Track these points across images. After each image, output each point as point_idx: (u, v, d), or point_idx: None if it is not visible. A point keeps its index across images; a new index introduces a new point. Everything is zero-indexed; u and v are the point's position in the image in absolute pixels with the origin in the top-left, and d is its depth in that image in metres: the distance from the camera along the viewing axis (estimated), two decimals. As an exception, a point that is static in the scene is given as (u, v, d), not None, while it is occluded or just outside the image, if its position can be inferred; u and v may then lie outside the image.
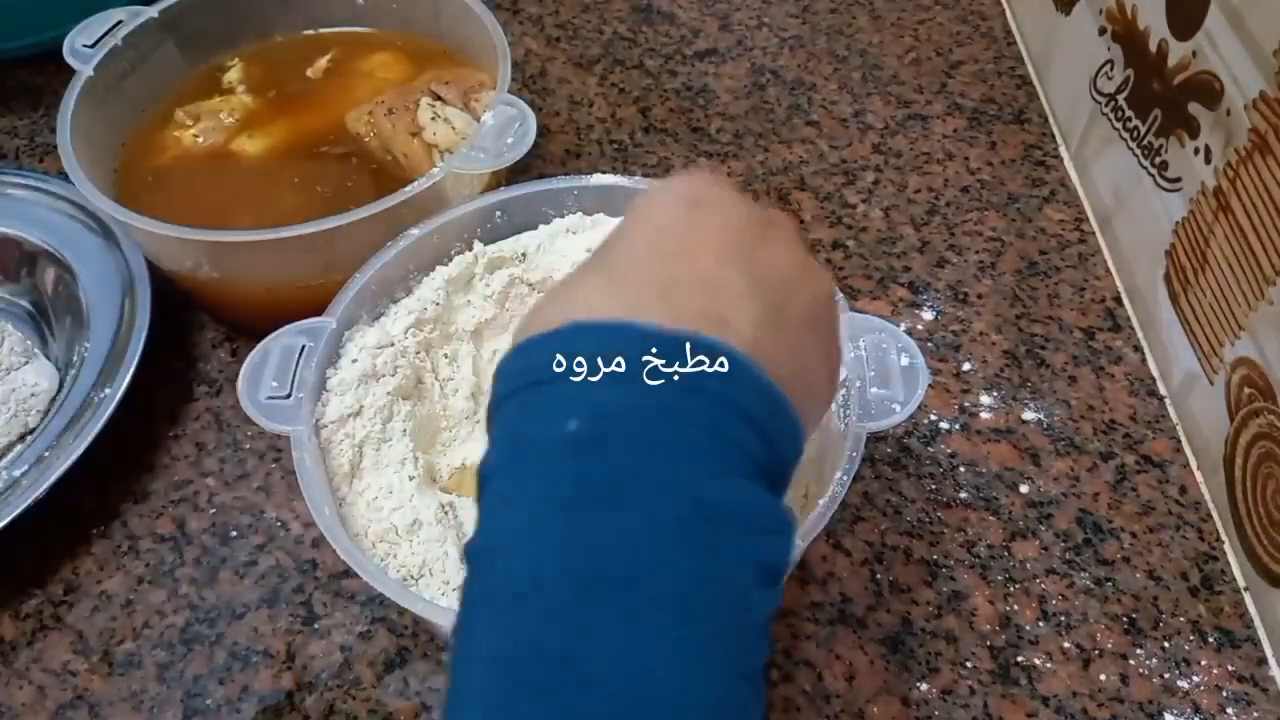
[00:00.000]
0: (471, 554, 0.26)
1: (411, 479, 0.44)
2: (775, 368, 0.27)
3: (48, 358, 0.57)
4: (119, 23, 0.62)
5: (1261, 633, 0.47)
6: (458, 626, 0.25)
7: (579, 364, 0.26)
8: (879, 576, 0.49)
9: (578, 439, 0.25)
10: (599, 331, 0.26)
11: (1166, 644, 0.47)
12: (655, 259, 0.28)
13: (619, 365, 0.25)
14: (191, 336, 0.61)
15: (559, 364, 0.26)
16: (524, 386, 0.27)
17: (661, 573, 0.23)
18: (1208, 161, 0.51)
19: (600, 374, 0.25)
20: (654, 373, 0.25)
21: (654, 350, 0.25)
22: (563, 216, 0.52)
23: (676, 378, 0.25)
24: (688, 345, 0.26)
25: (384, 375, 0.47)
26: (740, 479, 0.25)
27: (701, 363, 0.26)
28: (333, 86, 0.67)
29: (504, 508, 0.25)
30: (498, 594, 0.24)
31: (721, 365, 0.26)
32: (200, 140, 0.63)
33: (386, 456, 0.45)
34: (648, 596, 0.23)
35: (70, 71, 0.60)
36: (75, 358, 0.56)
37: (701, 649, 0.23)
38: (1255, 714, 0.45)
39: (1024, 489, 0.52)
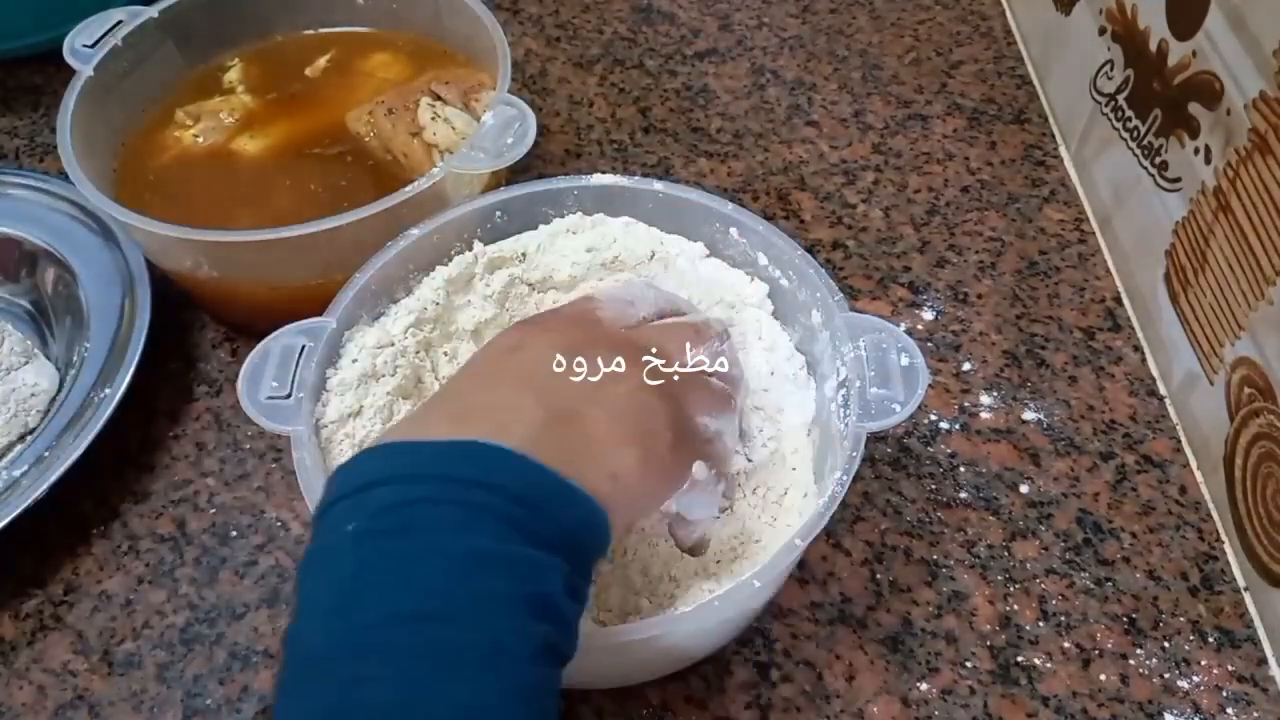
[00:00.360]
0: (284, 642, 0.30)
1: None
2: (559, 459, 0.31)
3: (48, 358, 0.57)
4: (119, 23, 0.62)
5: (1261, 633, 0.47)
6: (274, 704, 0.28)
7: (359, 484, 0.31)
8: (879, 576, 0.49)
9: (355, 535, 0.30)
10: (386, 450, 0.32)
11: (1166, 644, 0.47)
12: (465, 392, 0.35)
13: (386, 477, 0.31)
14: (191, 336, 0.61)
15: (349, 484, 0.31)
16: (327, 505, 0.31)
17: (412, 618, 0.28)
18: (1208, 161, 0.51)
19: (370, 488, 0.30)
20: (426, 477, 0.30)
21: (429, 457, 0.31)
22: (563, 216, 0.52)
23: (448, 478, 0.30)
24: (458, 450, 0.31)
25: (384, 375, 0.47)
26: (498, 541, 0.29)
27: (474, 462, 0.31)
28: (333, 86, 0.67)
29: (303, 603, 0.30)
30: (293, 674, 0.28)
31: (488, 460, 0.31)
32: (200, 140, 0.63)
33: (386, 456, 0.45)
34: (401, 646, 0.27)
35: (70, 71, 0.60)
36: (75, 358, 0.56)
37: (461, 676, 0.27)
38: (1255, 714, 0.45)
39: (1024, 489, 0.52)
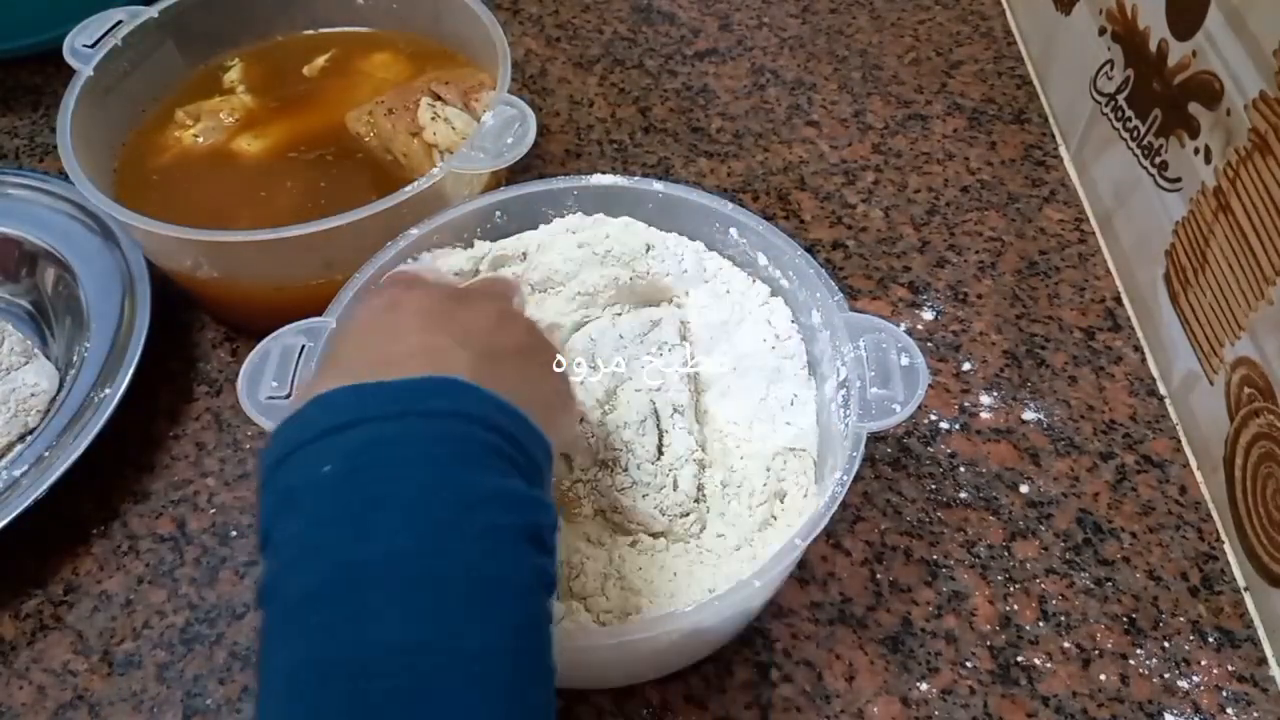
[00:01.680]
0: (260, 593, 0.28)
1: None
2: (502, 389, 0.31)
3: (48, 358, 0.57)
4: (119, 23, 0.62)
5: (1261, 633, 0.47)
6: (259, 650, 0.28)
7: (324, 428, 0.29)
8: (879, 576, 0.49)
9: (334, 476, 0.28)
10: (334, 398, 0.30)
11: (1166, 644, 0.47)
12: (370, 346, 0.33)
13: (357, 418, 0.29)
14: (191, 336, 0.61)
15: (306, 432, 0.29)
16: (281, 458, 0.29)
17: (418, 554, 0.27)
18: (1208, 161, 0.51)
19: (343, 430, 0.29)
20: (403, 414, 0.29)
21: (395, 395, 0.29)
22: (563, 216, 0.52)
23: (427, 413, 0.29)
24: (415, 387, 0.29)
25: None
26: (488, 472, 0.29)
27: (447, 396, 0.30)
28: (333, 86, 0.67)
29: (281, 546, 0.28)
30: (281, 618, 0.27)
31: (459, 394, 0.30)
32: (200, 140, 0.64)
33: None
34: (409, 580, 0.26)
35: (70, 71, 0.60)
36: (75, 358, 0.56)
37: (472, 611, 0.26)
38: (1255, 714, 0.45)
39: (1024, 489, 0.52)
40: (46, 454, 0.50)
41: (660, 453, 0.45)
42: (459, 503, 0.28)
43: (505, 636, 0.27)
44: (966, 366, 0.57)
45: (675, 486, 0.44)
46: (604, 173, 0.53)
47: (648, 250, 0.51)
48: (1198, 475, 0.52)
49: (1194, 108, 0.52)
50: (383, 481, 0.28)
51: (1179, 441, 0.54)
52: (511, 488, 0.29)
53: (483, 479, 0.29)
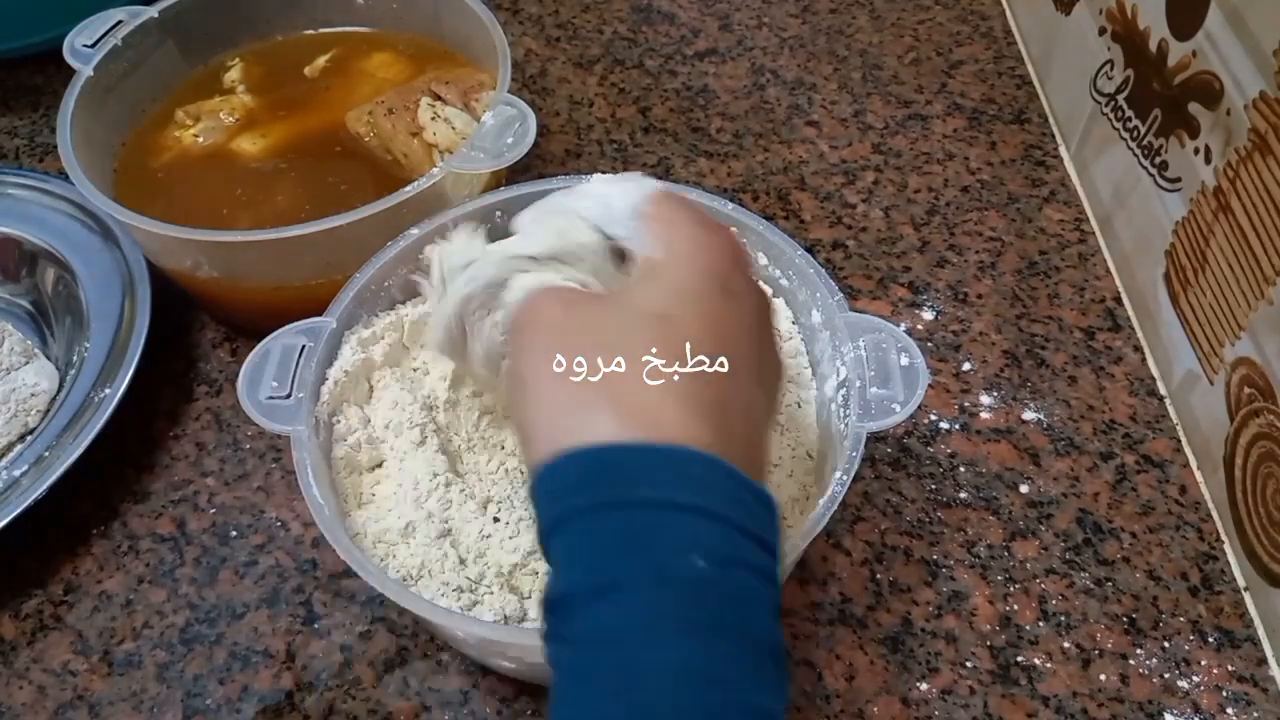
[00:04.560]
0: (584, 639, 0.28)
1: (411, 479, 0.44)
2: (754, 469, 0.31)
3: (48, 358, 0.57)
4: (119, 23, 0.62)
5: (1261, 633, 0.47)
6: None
7: (691, 505, 0.28)
8: (879, 576, 0.49)
9: (702, 579, 0.27)
10: (709, 471, 0.29)
11: (1166, 644, 0.47)
12: (709, 328, 0.31)
13: (720, 503, 0.28)
14: (191, 336, 0.61)
15: (664, 486, 0.28)
16: (631, 503, 0.28)
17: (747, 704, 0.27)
18: (1208, 161, 0.51)
19: (711, 518, 0.28)
20: (746, 531, 0.28)
21: (739, 496, 0.29)
22: (563, 216, 0.52)
23: (753, 535, 0.29)
24: (759, 500, 0.29)
25: (384, 375, 0.47)
26: (776, 624, 0.29)
27: (764, 519, 0.29)
28: (333, 86, 0.67)
29: (628, 625, 0.27)
30: (629, 699, 0.26)
31: (772, 518, 0.30)
32: (200, 140, 0.63)
33: (386, 456, 0.45)
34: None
35: (70, 71, 0.60)
36: (75, 358, 0.56)
37: None
38: (1255, 714, 0.45)
39: (1024, 489, 0.52)
40: (46, 454, 0.50)
41: None
42: (774, 662, 0.28)
43: None
44: (966, 366, 0.57)
45: None
46: (604, 173, 0.53)
47: None
48: (1198, 475, 0.52)
49: (1194, 108, 0.52)
50: (728, 612, 0.28)
51: (1179, 441, 0.54)
52: (782, 646, 0.30)
53: (780, 636, 0.29)
